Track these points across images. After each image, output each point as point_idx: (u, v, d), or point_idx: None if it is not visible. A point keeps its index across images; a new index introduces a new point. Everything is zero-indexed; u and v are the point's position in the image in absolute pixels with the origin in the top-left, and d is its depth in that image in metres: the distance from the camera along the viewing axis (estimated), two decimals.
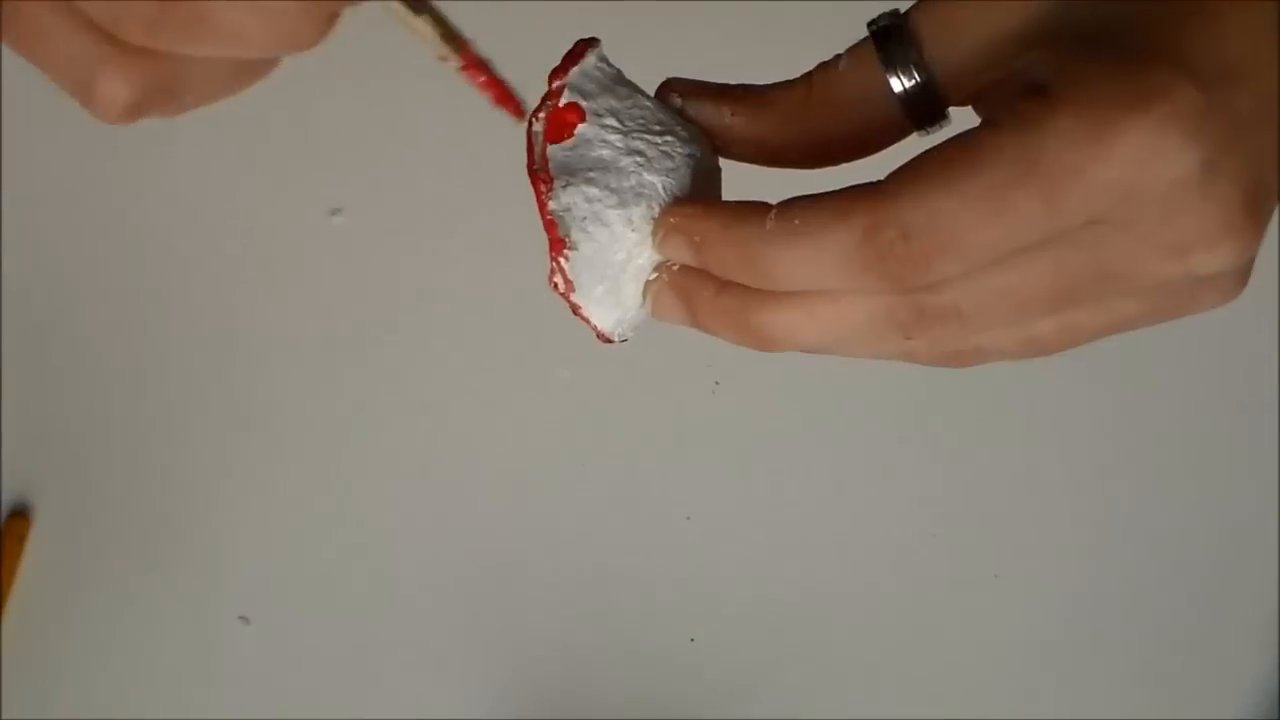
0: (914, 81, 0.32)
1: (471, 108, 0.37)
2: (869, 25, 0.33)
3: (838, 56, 0.34)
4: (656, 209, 0.35)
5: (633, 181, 0.35)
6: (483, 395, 0.82)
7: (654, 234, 0.35)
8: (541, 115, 0.36)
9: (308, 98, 0.80)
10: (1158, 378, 0.82)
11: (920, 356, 0.33)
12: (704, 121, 0.36)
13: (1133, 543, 0.82)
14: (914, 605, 0.81)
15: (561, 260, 0.35)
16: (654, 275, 0.35)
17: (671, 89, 0.36)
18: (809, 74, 0.35)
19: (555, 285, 0.36)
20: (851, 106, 0.34)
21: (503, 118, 0.36)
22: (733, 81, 0.36)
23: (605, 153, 0.35)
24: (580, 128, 0.35)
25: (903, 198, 0.29)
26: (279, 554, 0.81)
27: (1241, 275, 0.31)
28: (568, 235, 0.35)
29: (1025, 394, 0.82)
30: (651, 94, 0.37)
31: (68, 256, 0.83)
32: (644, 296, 0.36)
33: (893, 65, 0.33)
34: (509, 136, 0.37)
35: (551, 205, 0.35)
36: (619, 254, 0.35)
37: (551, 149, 0.36)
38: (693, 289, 0.34)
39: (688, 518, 0.82)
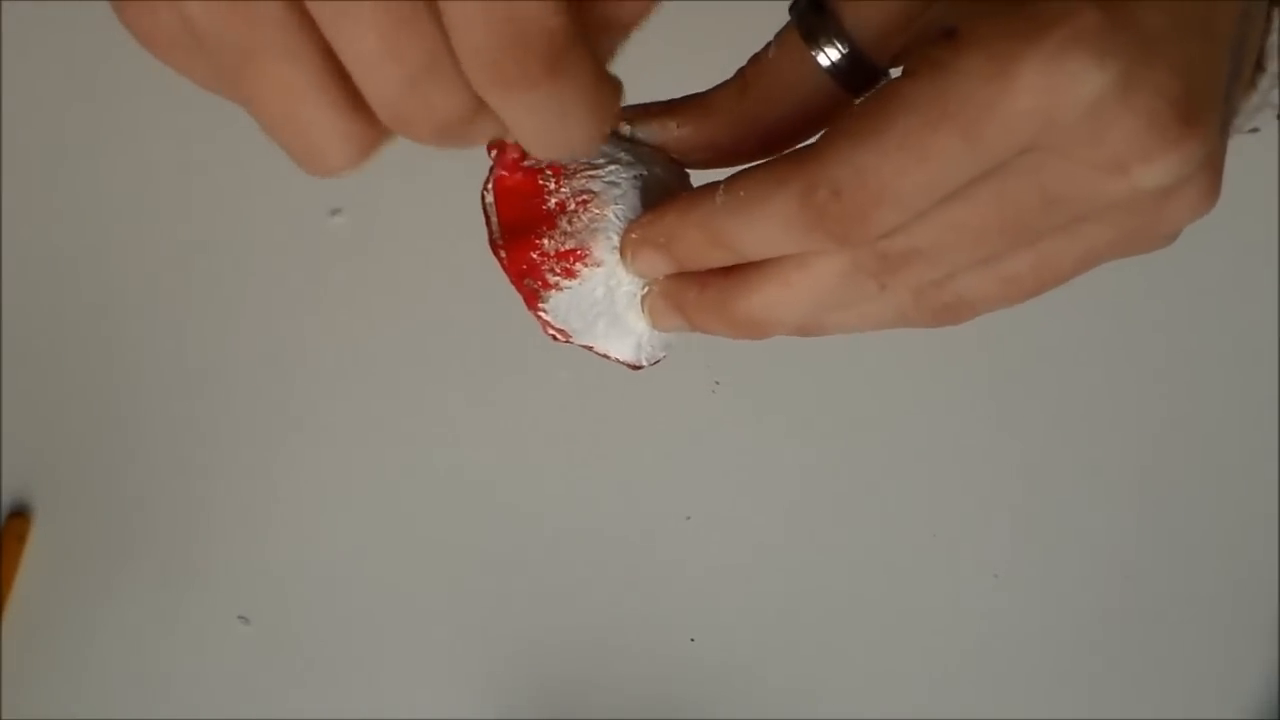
0: (840, 53, 0.33)
1: None
2: (790, 8, 0.34)
3: (766, 46, 0.35)
4: (615, 237, 0.36)
5: (585, 220, 0.35)
6: (482, 395, 0.82)
7: (624, 259, 0.36)
8: (490, 185, 0.36)
9: None
10: (1156, 380, 0.82)
11: (911, 315, 0.34)
12: (657, 140, 0.37)
13: (1133, 543, 0.82)
14: (914, 605, 0.81)
15: (541, 314, 0.36)
16: (645, 290, 0.36)
17: (619, 119, 0.37)
18: (742, 69, 0.35)
19: (553, 337, 0.37)
20: (788, 91, 0.34)
21: None
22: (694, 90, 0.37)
23: (553, 203, 0.36)
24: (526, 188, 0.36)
25: (829, 156, 0.30)
26: (279, 554, 0.81)
27: (1204, 185, 0.31)
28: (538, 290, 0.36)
29: (1025, 396, 0.82)
30: None
31: (68, 257, 0.83)
32: (644, 313, 0.37)
33: (816, 41, 0.33)
34: None
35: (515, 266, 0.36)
36: (596, 290, 0.36)
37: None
38: (679, 292, 0.36)
39: (688, 518, 0.82)
